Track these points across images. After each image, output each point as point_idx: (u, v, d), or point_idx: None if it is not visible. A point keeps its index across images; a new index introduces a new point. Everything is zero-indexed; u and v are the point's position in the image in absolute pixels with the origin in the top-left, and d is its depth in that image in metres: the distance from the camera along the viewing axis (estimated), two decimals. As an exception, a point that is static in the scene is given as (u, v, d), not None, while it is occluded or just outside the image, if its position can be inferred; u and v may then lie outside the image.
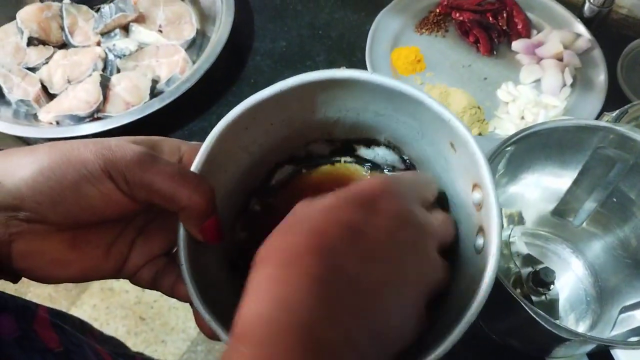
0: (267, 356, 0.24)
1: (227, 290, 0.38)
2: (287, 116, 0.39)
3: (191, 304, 0.34)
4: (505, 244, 0.61)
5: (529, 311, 0.42)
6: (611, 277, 0.60)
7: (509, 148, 0.53)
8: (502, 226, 0.36)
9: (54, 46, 0.87)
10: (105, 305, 1.68)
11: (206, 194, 0.33)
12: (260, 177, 0.44)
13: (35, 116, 0.81)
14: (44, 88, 0.83)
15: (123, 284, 1.70)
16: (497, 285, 0.45)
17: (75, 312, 1.69)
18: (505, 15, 0.86)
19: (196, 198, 0.32)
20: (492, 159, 0.53)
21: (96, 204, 0.31)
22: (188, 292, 0.33)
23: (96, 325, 0.79)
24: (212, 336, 0.33)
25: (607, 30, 0.86)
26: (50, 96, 0.83)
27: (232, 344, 0.26)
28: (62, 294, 1.73)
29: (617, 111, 0.69)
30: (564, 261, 0.63)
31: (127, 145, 0.32)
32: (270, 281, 0.27)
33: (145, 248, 0.36)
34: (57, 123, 0.78)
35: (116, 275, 0.36)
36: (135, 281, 0.37)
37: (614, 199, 0.58)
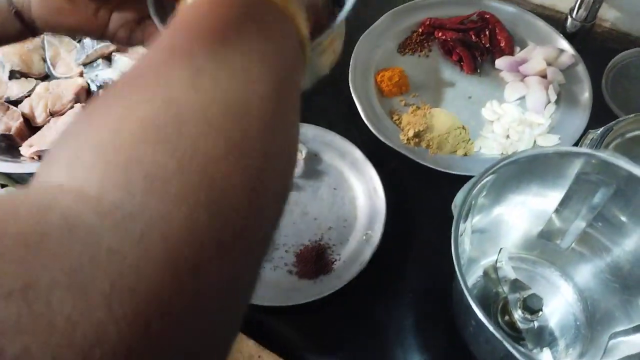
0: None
1: None
2: None
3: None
4: (492, 269, 0.61)
5: (509, 348, 0.41)
6: (601, 303, 0.59)
7: (489, 177, 0.53)
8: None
9: (36, 78, 0.87)
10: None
11: None
12: None
13: (17, 150, 0.80)
14: (26, 121, 0.82)
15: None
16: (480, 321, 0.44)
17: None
18: (487, 33, 0.86)
19: None
20: (474, 186, 0.53)
21: None
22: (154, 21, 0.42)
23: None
24: None
25: (591, 45, 0.86)
26: (33, 129, 0.82)
27: None
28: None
29: (602, 128, 0.69)
30: (552, 285, 0.63)
31: None
32: None
33: (121, 15, 0.47)
34: (40, 157, 0.78)
35: (102, 35, 0.48)
36: (115, 40, 0.48)
37: (600, 223, 0.58)
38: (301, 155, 0.74)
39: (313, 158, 0.77)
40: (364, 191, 0.73)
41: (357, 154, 0.74)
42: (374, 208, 0.70)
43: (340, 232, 0.70)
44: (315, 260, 0.67)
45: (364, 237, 0.69)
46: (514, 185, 0.57)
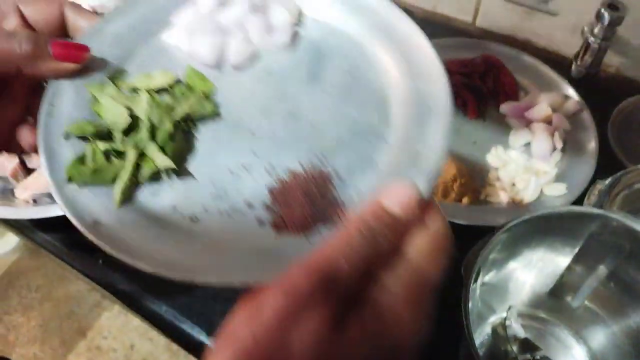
0: None
1: None
2: None
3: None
4: (502, 326, 0.59)
5: None
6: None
7: (501, 236, 0.51)
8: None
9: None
10: (92, 365, 1.63)
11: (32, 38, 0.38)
12: None
13: (12, 192, 0.78)
14: (22, 163, 0.81)
15: (111, 343, 1.65)
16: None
17: (61, 374, 1.63)
18: (492, 77, 0.85)
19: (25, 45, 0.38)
20: (483, 246, 0.51)
21: None
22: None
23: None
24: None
25: (596, 91, 0.85)
26: (29, 170, 0.81)
27: None
28: (48, 353, 1.67)
29: (610, 179, 0.68)
30: (564, 346, 0.60)
31: None
32: None
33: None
34: (35, 201, 0.76)
35: None
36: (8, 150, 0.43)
37: (614, 283, 0.56)
38: (289, 17, 0.46)
39: (310, 22, 0.47)
40: (405, 74, 0.41)
41: (396, 12, 0.44)
42: (426, 103, 0.39)
43: (358, 149, 0.39)
44: (310, 199, 0.37)
45: (408, 158, 0.37)
46: (525, 242, 0.56)
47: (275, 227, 0.36)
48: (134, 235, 0.36)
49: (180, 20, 0.45)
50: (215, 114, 0.42)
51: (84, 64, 0.41)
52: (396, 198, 0.31)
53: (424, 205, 0.32)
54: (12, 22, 0.41)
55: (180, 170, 0.39)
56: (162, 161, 0.38)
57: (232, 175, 0.39)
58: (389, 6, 0.44)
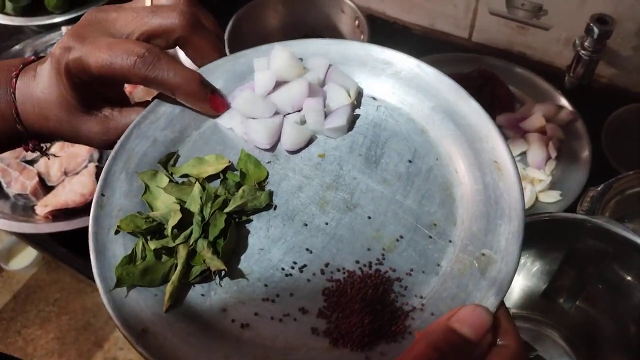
0: None
1: None
2: None
3: None
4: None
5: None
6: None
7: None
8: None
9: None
10: (109, 376, 1.66)
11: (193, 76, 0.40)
12: None
13: (32, 208, 0.82)
14: (42, 180, 0.85)
15: (127, 353, 1.69)
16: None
17: (78, 385, 1.67)
18: (488, 90, 0.89)
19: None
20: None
21: None
22: None
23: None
24: None
25: (589, 101, 0.88)
26: (48, 188, 0.85)
27: None
28: (66, 366, 1.72)
29: (602, 186, 0.70)
30: (558, 346, 0.63)
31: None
32: None
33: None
34: (54, 217, 0.80)
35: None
36: None
37: (603, 284, 0.59)
38: (348, 98, 0.43)
39: (369, 101, 0.44)
40: (472, 166, 0.39)
41: (462, 95, 0.41)
42: (496, 200, 0.37)
43: (421, 247, 0.37)
44: (368, 307, 0.34)
45: (475, 263, 0.35)
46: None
47: (331, 338, 0.34)
48: (182, 345, 0.34)
49: (236, 102, 0.43)
50: (268, 207, 0.39)
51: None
52: (470, 322, 0.29)
53: (496, 324, 0.31)
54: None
55: (231, 270, 0.37)
56: (213, 262, 0.36)
57: (284, 275, 0.37)
58: (456, 89, 0.41)
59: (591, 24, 0.80)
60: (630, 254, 0.52)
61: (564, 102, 0.86)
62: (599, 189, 0.70)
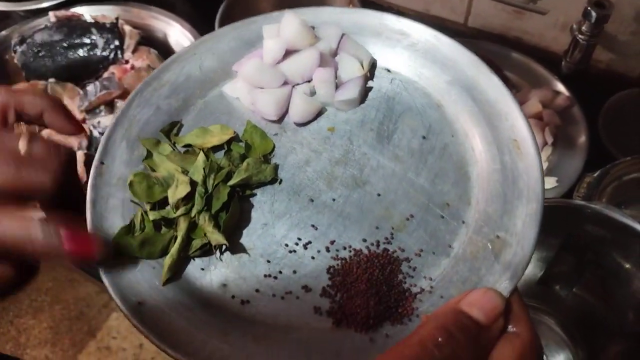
0: None
1: None
2: None
3: None
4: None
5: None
6: (606, 350, 0.59)
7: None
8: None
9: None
10: (102, 365, 1.66)
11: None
12: None
13: (21, 197, 0.81)
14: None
15: (120, 343, 1.68)
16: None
17: (72, 374, 1.67)
18: (484, 75, 0.88)
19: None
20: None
21: None
22: None
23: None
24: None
25: (586, 86, 0.87)
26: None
27: None
28: (59, 354, 1.71)
29: (599, 172, 0.70)
30: (554, 333, 0.63)
31: None
32: None
33: None
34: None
35: None
36: None
37: (601, 270, 0.58)
38: (361, 70, 0.41)
39: (383, 73, 0.42)
40: (490, 144, 0.37)
41: (482, 69, 0.39)
42: (514, 181, 0.35)
43: (432, 228, 0.36)
44: (374, 288, 0.33)
45: (489, 245, 0.34)
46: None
47: (334, 319, 0.33)
48: (179, 320, 0.33)
49: (243, 71, 0.41)
50: (274, 181, 0.38)
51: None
52: (480, 304, 0.28)
53: (508, 309, 0.29)
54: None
55: (233, 245, 0.36)
56: (214, 236, 0.35)
57: (288, 251, 0.35)
58: (476, 63, 0.39)
59: (589, 8, 0.78)
60: (628, 241, 0.52)
61: (560, 87, 0.85)
62: (595, 175, 0.69)
